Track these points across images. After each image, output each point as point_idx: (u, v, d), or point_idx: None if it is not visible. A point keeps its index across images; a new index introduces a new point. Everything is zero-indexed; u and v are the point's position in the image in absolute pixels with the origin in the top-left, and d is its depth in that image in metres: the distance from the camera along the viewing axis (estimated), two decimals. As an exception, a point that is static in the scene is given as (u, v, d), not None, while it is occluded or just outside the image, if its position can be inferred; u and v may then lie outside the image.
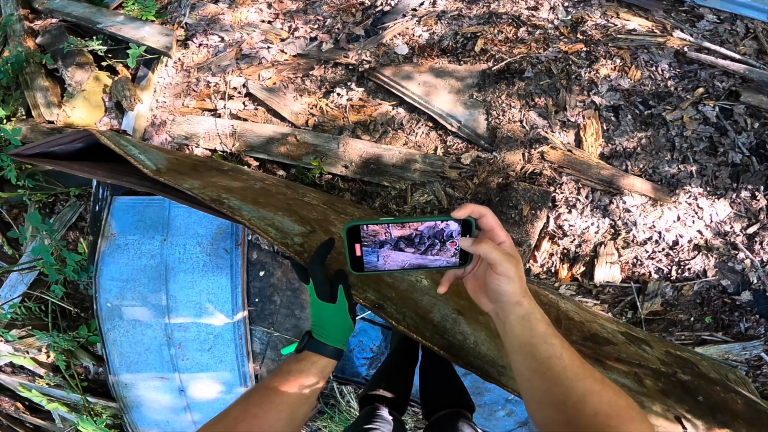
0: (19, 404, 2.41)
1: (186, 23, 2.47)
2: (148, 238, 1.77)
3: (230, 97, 2.27)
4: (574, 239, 1.88)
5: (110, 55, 2.42)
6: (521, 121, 1.99)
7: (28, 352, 2.20)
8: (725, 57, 2.02)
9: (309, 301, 0.75)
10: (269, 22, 2.44)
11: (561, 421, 0.55)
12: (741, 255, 1.83)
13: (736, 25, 2.15)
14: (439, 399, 1.35)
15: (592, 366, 0.59)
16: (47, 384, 2.24)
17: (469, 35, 2.19)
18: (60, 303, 2.16)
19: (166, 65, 2.41)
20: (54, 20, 2.61)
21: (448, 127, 2.02)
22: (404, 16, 2.31)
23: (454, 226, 0.61)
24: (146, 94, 2.35)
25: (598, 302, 1.86)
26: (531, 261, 1.89)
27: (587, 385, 0.55)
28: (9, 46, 2.52)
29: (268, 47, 2.35)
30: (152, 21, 2.47)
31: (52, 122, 2.32)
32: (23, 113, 2.40)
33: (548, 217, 1.88)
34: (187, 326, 1.77)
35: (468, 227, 0.61)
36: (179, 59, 2.42)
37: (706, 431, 1.06)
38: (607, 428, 0.51)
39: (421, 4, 2.33)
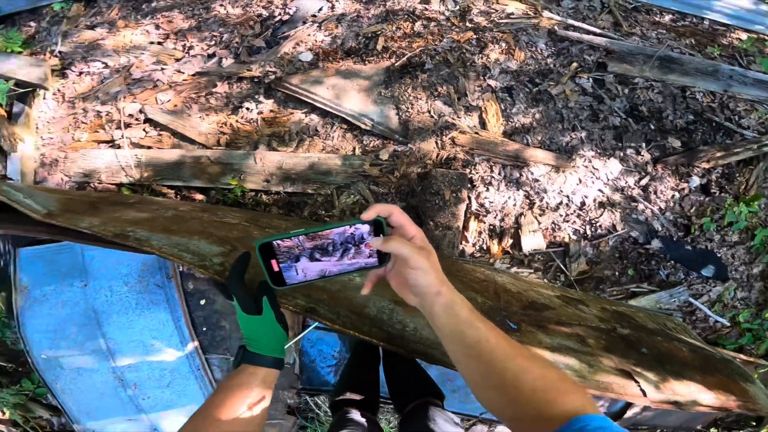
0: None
1: (60, 52, 2.24)
2: (66, 285, 1.62)
3: (127, 126, 2.10)
4: (497, 214, 2.00)
5: (-27, 96, 2.13)
6: (429, 111, 2.09)
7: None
8: (588, 32, 2.27)
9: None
10: (159, 43, 2.30)
11: (505, 402, 0.57)
12: (641, 206, 2.02)
13: (593, 0, 2.43)
14: (407, 392, 1.36)
15: (522, 344, 0.61)
16: (12, 440, 2.01)
17: (369, 35, 2.24)
18: (-9, 362, 1.94)
19: (44, 98, 2.17)
20: None
21: (362, 126, 2.06)
22: (304, 23, 2.30)
23: (365, 228, 0.62)
24: (27, 132, 2.10)
25: (532, 270, 1.97)
26: (463, 242, 1.98)
27: (518, 364, 0.57)
28: None
29: (162, 69, 2.21)
30: (19, 52, 2.21)
31: None
32: None
33: (469, 198, 1.99)
34: (137, 366, 1.67)
35: (379, 227, 0.62)
36: (59, 90, 2.19)
37: (660, 383, 1.04)
38: (547, 403, 0.52)
39: (320, 9, 2.34)
